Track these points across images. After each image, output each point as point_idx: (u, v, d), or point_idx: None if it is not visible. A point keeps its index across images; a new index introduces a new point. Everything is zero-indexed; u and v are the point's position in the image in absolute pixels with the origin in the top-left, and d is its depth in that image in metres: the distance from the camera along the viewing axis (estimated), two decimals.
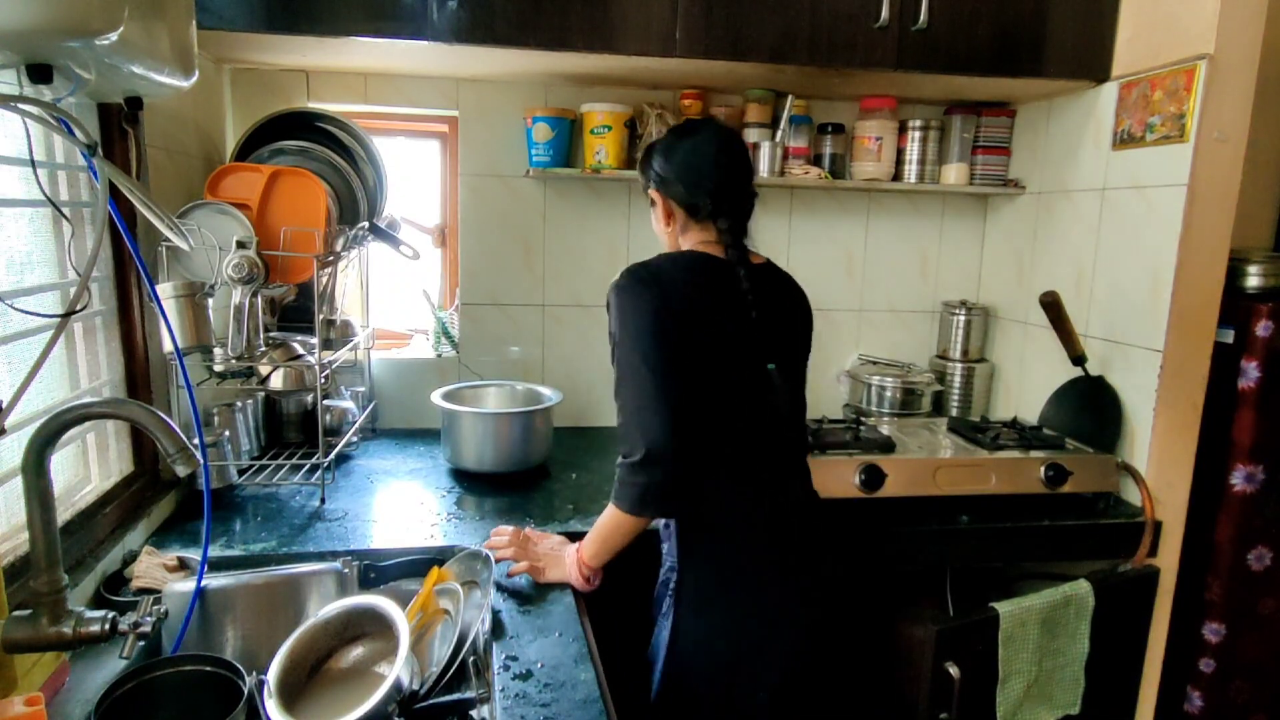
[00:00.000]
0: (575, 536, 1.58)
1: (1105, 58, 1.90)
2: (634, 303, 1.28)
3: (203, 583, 1.09)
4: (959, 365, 2.34)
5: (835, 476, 1.69)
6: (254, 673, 0.97)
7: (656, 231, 1.46)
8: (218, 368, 1.62)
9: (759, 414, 1.33)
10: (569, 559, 1.40)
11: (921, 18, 1.77)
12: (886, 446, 1.78)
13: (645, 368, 1.25)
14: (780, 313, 1.40)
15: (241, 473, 1.73)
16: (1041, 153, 2.18)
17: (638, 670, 1.54)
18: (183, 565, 1.35)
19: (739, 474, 1.32)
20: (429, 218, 2.37)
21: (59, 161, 1.32)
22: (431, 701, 1.02)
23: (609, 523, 1.33)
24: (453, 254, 2.32)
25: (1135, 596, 1.79)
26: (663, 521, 1.35)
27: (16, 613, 0.96)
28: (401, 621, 1.07)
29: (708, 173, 1.36)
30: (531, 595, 1.34)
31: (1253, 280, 1.84)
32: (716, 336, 1.29)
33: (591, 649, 1.19)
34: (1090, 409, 1.93)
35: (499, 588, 1.35)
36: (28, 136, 1.06)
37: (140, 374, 1.51)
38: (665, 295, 1.27)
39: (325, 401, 1.88)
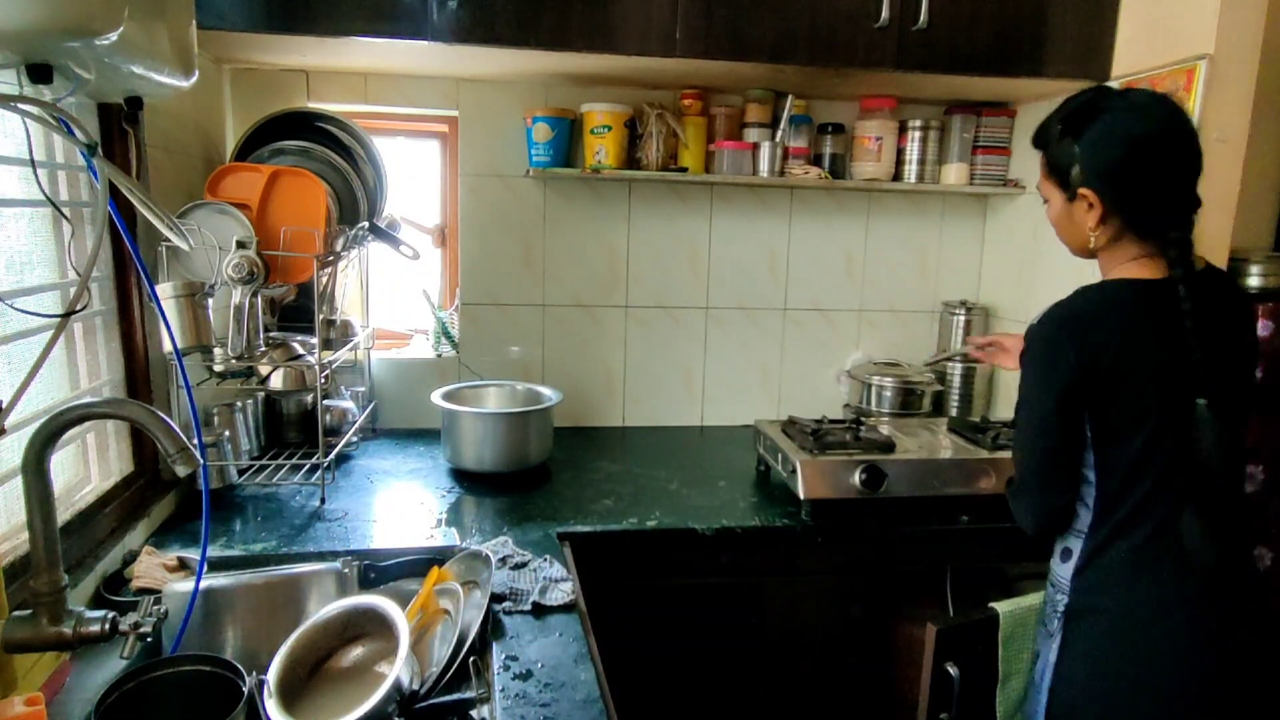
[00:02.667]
0: (575, 536, 1.58)
1: (1105, 58, 1.90)
2: (1047, 355, 1.15)
3: (203, 583, 1.09)
4: (959, 365, 2.34)
5: (835, 476, 1.69)
6: (254, 673, 0.97)
7: (1060, 230, 1.26)
8: (218, 368, 1.62)
9: (1180, 458, 1.13)
10: None
11: (921, 18, 1.77)
12: (886, 446, 1.78)
13: (1042, 441, 1.18)
14: (1222, 337, 1.16)
15: (241, 473, 1.73)
16: None
17: (638, 670, 1.54)
18: (183, 565, 1.35)
19: (1149, 524, 1.15)
20: (429, 218, 2.37)
21: (59, 161, 1.32)
22: (431, 701, 1.02)
23: None
24: (453, 254, 2.32)
25: None
26: (1060, 546, 1.25)
27: (16, 613, 0.96)
28: (401, 621, 1.07)
29: (1167, 168, 1.12)
30: (531, 594, 1.34)
31: (1253, 280, 1.84)
32: (1143, 385, 1.12)
33: (591, 649, 1.19)
34: None
35: (498, 598, 1.35)
36: (28, 136, 1.06)
37: (140, 374, 1.51)
38: (1089, 350, 1.11)
39: (325, 401, 1.88)
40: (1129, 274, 1.17)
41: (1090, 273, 1.98)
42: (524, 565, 1.40)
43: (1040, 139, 1.24)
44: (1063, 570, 1.24)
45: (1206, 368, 1.10)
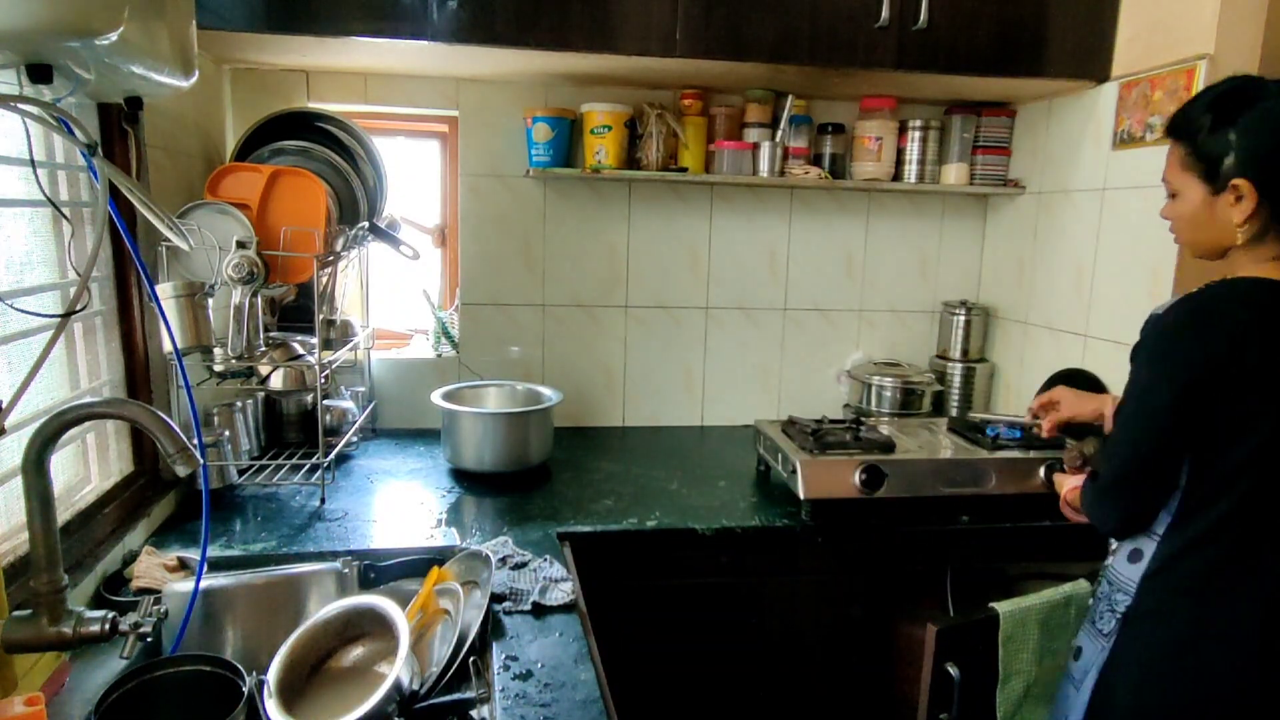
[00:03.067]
0: (574, 536, 1.58)
1: (1105, 58, 1.90)
2: (1172, 350, 1.10)
3: (203, 583, 1.09)
4: (959, 365, 2.34)
5: (835, 476, 1.69)
6: (254, 673, 0.97)
7: (1191, 227, 1.17)
8: (218, 368, 1.62)
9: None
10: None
11: (921, 18, 1.78)
12: (886, 446, 1.78)
13: (1149, 441, 1.13)
14: None
15: (241, 473, 1.73)
16: (1041, 153, 2.18)
17: (638, 670, 1.54)
18: (183, 565, 1.35)
19: (1232, 537, 1.11)
20: (429, 218, 2.37)
21: (59, 161, 1.32)
22: (431, 701, 1.02)
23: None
24: (453, 254, 2.32)
25: None
26: (1129, 546, 1.21)
27: (16, 613, 0.96)
28: (401, 621, 1.07)
29: None
30: (531, 594, 1.34)
31: None
32: (1265, 393, 1.06)
33: (591, 649, 1.19)
34: None
35: (498, 598, 1.35)
36: (28, 136, 1.06)
37: (140, 374, 1.51)
38: (1221, 344, 1.05)
39: (325, 401, 1.88)
40: (1266, 274, 1.10)
41: (1088, 271, 1.99)
42: (524, 565, 1.40)
43: (1184, 128, 1.15)
44: (1129, 571, 1.19)
45: None
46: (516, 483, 1.84)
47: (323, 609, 1.12)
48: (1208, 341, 1.07)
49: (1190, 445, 1.12)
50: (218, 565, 1.38)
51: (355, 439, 2.02)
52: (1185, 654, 1.12)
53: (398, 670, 0.98)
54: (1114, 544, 1.25)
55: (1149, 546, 1.18)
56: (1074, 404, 1.55)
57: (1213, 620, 1.11)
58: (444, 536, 1.55)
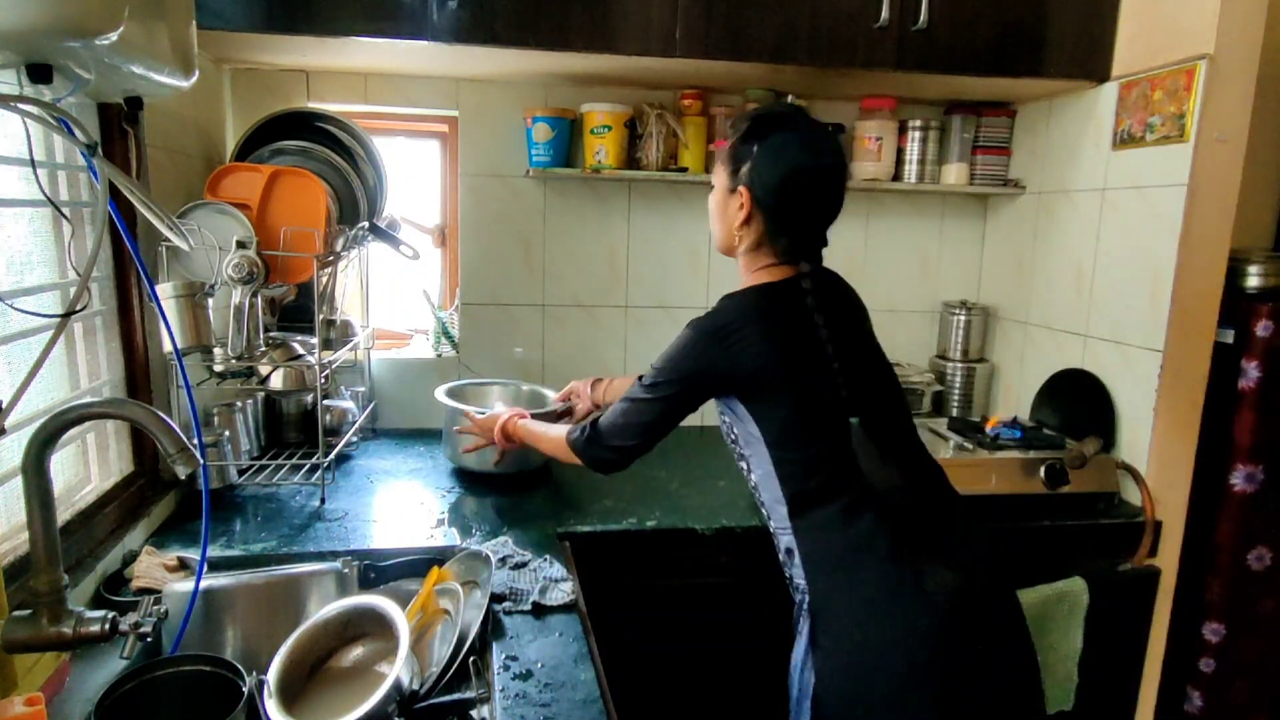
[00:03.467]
0: (574, 536, 1.58)
1: (1105, 58, 1.90)
2: (691, 358, 1.27)
3: (203, 583, 1.09)
4: (959, 365, 2.34)
5: None
6: (254, 673, 0.97)
7: (714, 215, 1.35)
8: (218, 368, 1.62)
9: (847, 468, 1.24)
10: (496, 427, 1.66)
11: (921, 18, 1.77)
12: None
13: (653, 412, 1.32)
14: (850, 334, 1.35)
15: (241, 473, 1.73)
16: (1041, 153, 2.18)
17: (638, 670, 1.54)
18: (183, 565, 1.35)
19: (848, 494, 1.22)
20: (429, 218, 2.37)
21: (59, 161, 1.32)
22: (431, 701, 1.02)
23: (553, 443, 1.51)
24: (453, 254, 2.32)
25: (1135, 596, 1.79)
26: (782, 548, 1.28)
27: (16, 613, 0.96)
28: (401, 621, 1.07)
29: (813, 203, 1.26)
30: (531, 594, 1.34)
31: (1253, 280, 1.84)
32: (789, 388, 1.23)
33: (592, 649, 1.19)
34: (1078, 400, 1.95)
35: (498, 598, 1.35)
36: (28, 136, 1.06)
37: (140, 374, 1.51)
38: (731, 358, 1.23)
39: (325, 401, 1.88)
40: (761, 279, 1.29)
41: (1088, 271, 1.99)
42: (524, 565, 1.40)
43: (735, 123, 1.30)
44: (795, 571, 1.25)
45: (849, 380, 1.25)
46: (517, 483, 1.84)
47: (323, 609, 1.12)
48: (720, 360, 1.23)
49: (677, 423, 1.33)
50: (218, 565, 1.38)
51: (355, 439, 2.02)
52: (836, 617, 1.18)
53: (398, 670, 0.98)
54: (781, 557, 1.30)
55: (785, 538, 1.25)
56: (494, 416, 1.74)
57: (862, 574, 1.18)
58: (444, 536, 1.54)
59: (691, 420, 2.41)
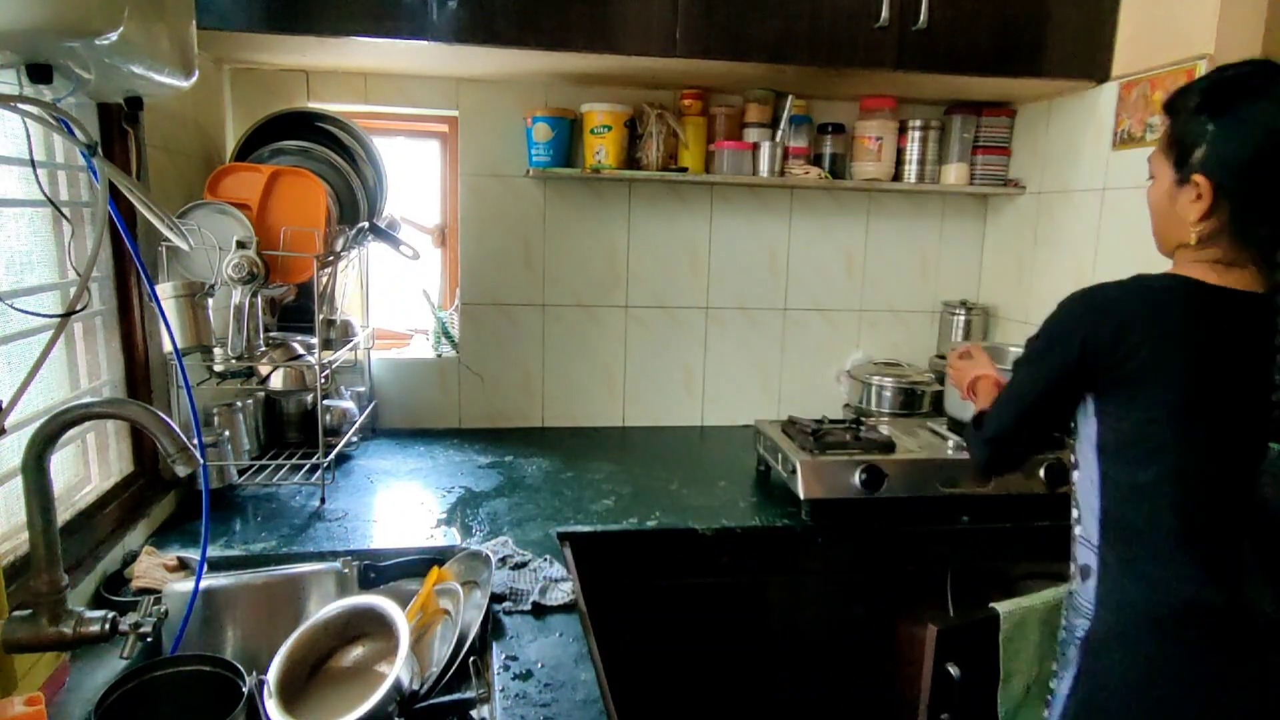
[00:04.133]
0: (574, 536, 1.58)
1: (1105, 58, 1.90)
2: (1068, 329, 1.09)
3: (203, 583, 1.09)
4: None
5: (835, 476, 1.69)
6: (254, 673, 0.97)
7: (1156, 216, 1.13)
8: (218, 368, 1.62)
9: (1209, 499, 1.05)
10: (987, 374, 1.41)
11: (921, 18, 1.77)
12: (887, 446, 1.78)
13: (1028, 398, 1.17)
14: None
15: (241, 473, 1.73)
16: (1041, 153, 2.18)
17: (638, 670, 1.54)
18: (183, 565, 1.35)
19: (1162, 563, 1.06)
20: (429, 218, 2.37)
21: (59, 161, 1.32)
22: (431, 701, 1.02)
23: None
24: (453, 254, 2.32)
25: None
26: (1079, 562, 1.16)
27: (16, 613, 0.96)
28: (401, 621, 1.07)
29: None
30: (531, 594, 1.34)
31: None
32: (1164, 397, 1.04)
33: (592, 649, 1.19)
34: None
35: (498, 598, 1.35)
36: (28, 136, 1.06)
37: (140, 374, 1.51)
38: (1105, 333, 1.05)
39: (325, 401, 1.88)
40: (1199, 275, 1.05)
41: (1089, 271, 1.99)
42: (524, 565, 1.40)
43: (1172, 104, 1.07)
44: (1084, 590, 1.13)
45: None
46: (517, 482, 1.84)
47: (323, 609, 1.12)
48: (1092, 327, 1.06)
49: (1066, 420, 1.15)
50: (218, 565, 1.38)
51: (355, 439, 2.02)
52: (1151, 684, 1.04)
53: (398, 670, 0.98)
54: (1072, 566, 1.20)
55: (1092, 558, 1.12)
56: (987, 363, 1.53)
57: (1173, 640, 1.03)
58: (444, 536, 1.54)
59: (691, 420, 2.42)
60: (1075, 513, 1.19)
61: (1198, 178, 1.01)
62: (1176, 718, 1.03)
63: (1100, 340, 1.05)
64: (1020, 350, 1.23)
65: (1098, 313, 1.07)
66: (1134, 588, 1.07)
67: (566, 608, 1.29)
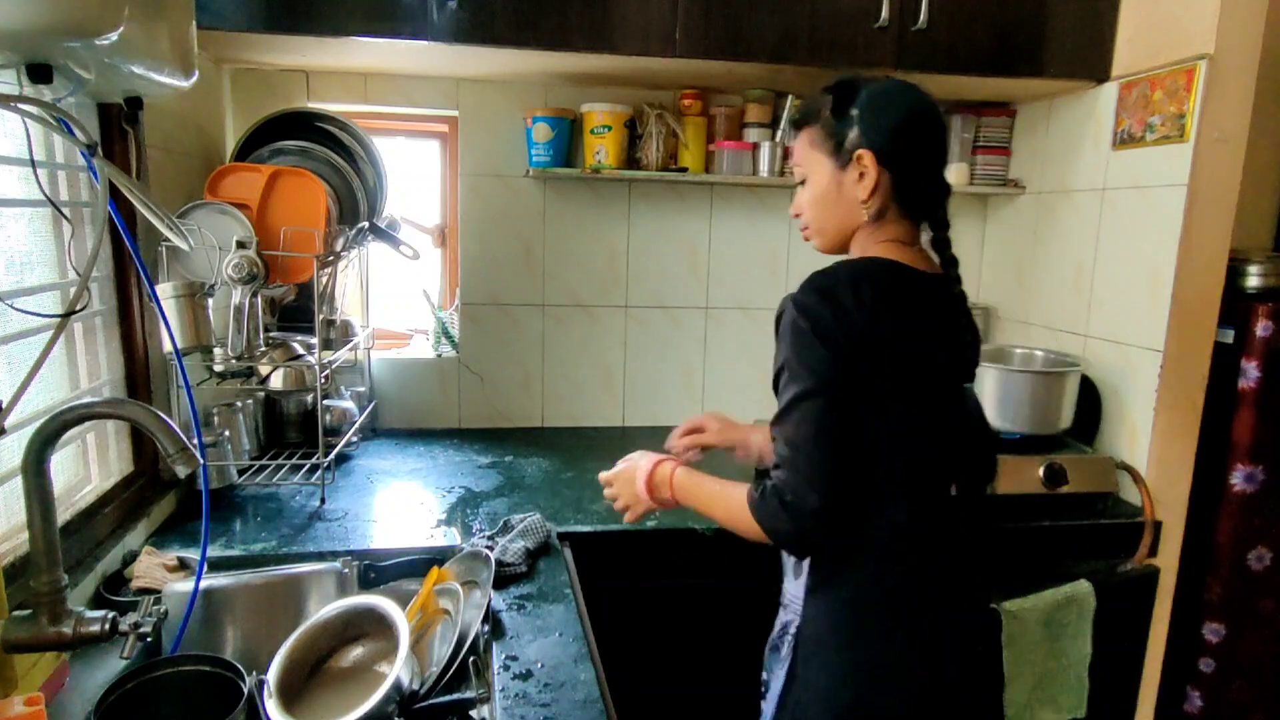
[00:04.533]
0: (575, 536, 1.58)
1: (1105, 58, 1.90)
2: (820, 324, 1.02)
3: (203, 583, 1.09)
4: None
5: None
6: (254, 673, 0.97)
7: (821, 209, 1.15)
8: (218, 368, 1.62)
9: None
10: (640, 480, 1.26)
11: (921, 18, 1.77)
12: None
13: (822, 417, 1.02)
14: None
15: (241, 473, 1.73)
16: (1041, 153, 2.18)
17: (638, 670, 1.53)
18: (183, 565, 1.35)
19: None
20: (429, 218, 2.37)
21: (59, 161, 1.32)
22: (431, 701, 1.02)
23: (729, 510, 1.12)
24: (453, 254, 2.32)
25: (1135, 596, 1.79)
26: (791, 561, 1.15)
27: (16, 613, 0.96)
28: (401, 621, 1.07)
29: (936, 143, 1.12)
30: (532, 594, 1.34)
31: (1253, 280, 1.84)
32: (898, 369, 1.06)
33: (591, 649, 1.19)
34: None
35: (498, 586, 1.35)
36: (28, 136, 1.06)
37: (140, 374, 1.51)
38: (852, 315, 1.03)
39: (325, 401, 1.88)
40: (887, 254, 1.11)
41: (1088, 271, 1.99)
42: (510, 529, 1.46)
43: (809, 116, 1.15)
44: (794, 588, 1.14)
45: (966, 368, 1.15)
46: (518, 482, 1.84)
47: (323, 609, 1.12)
48: (849, 310, 1.02)
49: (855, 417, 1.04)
50: (218, 565, 1.38)
51: (355, 439, 2.02)
52: (862, 676, 1.06)
53: (398, 670, 0.98)
54: (786, 561, 1.17)
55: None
56: (720, 432, 1.47)
57: (891, 636, 1.06)
58: (444, 536, 1.54)
59: None
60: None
61: (860, 153, 1.09)
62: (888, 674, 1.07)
63: (860, 321, 1.03)
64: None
65: (846, 295, 1.04)
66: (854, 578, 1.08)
67: (566, 607, 1.28)
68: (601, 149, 2.07)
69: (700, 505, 1.20)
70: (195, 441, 1.09)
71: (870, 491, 1.05)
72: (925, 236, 1.16)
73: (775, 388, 1.08)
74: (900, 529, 1.07)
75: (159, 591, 1.21)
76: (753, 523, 1.06)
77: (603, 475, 1.37)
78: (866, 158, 1.08)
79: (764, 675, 1.22)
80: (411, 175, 2.33)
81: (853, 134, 1.09)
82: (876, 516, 1.06)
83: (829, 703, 1.07)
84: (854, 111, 1.10)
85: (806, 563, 1.11)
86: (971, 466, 1.16)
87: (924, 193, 1.12)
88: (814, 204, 1.16)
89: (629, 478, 1.29)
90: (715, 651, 1.70)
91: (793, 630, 1.12)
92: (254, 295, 1.53)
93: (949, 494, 1.11)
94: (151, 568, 1.31)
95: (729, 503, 1.11)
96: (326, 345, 1.92)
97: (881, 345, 1.03)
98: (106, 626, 0.98)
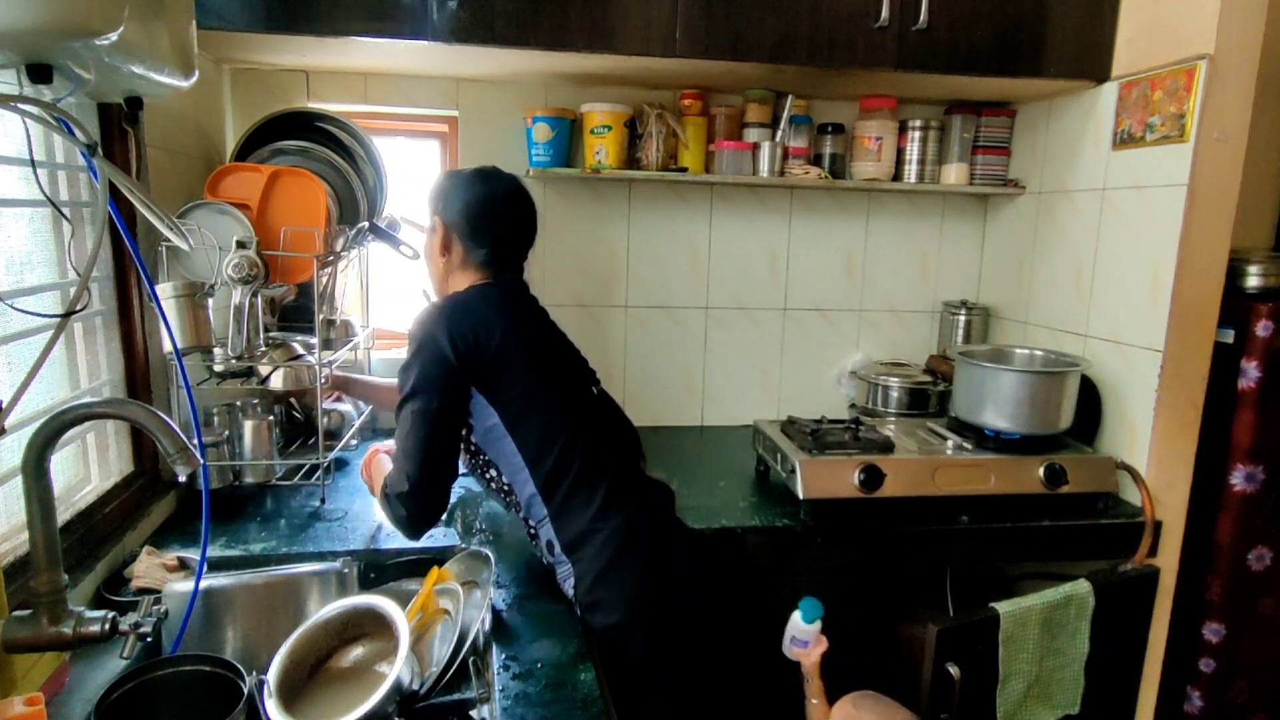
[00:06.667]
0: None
1: (1105, 58, 1.90)
2: (432, 345, 1.29)
3: (203, 583, 1.09)
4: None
5: (834, 476, 1.69)
6: (254, 673, 0.97)
7: (428, 264, 1.49)
8: (218, 368, 1.62)
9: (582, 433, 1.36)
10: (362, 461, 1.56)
11: (921, 18, 1.77)
12: (885, 447, 1.78)
13: (433, 427, 1.29)
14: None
15: (241, 473, 1.73)
16: (1041, 153, 2.18)
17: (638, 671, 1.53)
18: (182, 565, 1.35)
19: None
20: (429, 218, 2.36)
21: (59, 161, 1.32)
22: (431, 701, 1.02)
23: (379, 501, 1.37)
24: None
25: (1135, 596, 1.79)
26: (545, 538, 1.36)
27: (16, 613, 0.96)
28: (401, 621, 1.07)
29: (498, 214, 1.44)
30: (532, 594, 1.34)
31: (1253, 280, 1.84)
32: (527, 365, 1.34)
33: (592, 649, 1.19)
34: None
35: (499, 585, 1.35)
36: (28, 136, 1.06)
37: (140, 374, 1.51)
38: (471, 334, 1.29)
39: (325, 402, 1.87)
40: (476, 282, 1.41)
41: (1088, 271, 1.99)
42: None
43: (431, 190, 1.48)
44: (560, 556, 1.32)
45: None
46: None
47: (323, 609, 1.13)
48: (455, 331, 1.27)
49: (465, 421, 1.34)
50: (218, 565, 1.38)
51: (355, 440, 2.02)
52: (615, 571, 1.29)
53: (398, 670, 0.98)
54: (541, 552, 1.37)
55: (546, 529, 1.33)
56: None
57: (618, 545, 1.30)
58: (444, 536, 1.54)
59: (691, 420, 2.42)
60: (507, 495, 1.39)
61: (435, 219, 1.44)
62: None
63: (467, 340, 1.28)
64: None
65: (454, 319, 1.30)
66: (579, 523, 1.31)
67: (567, 607, 1.28)
68: (601, 149, 2.07)
69: (373, 490, 1.46)
70: (195, 441, 1.09)
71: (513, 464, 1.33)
72: None
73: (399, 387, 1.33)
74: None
75: (159, 591, 1.21)
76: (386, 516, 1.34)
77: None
78: (438, 224, 1.43)
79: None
80: (411, 175, 2.32)
81: (437, 208, 1.44)
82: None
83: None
84: (438, 192, 1.45)
85: (552, 534, 1.33)
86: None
87: (493, 254, 1.42)
88: (426, 261, 1.50)
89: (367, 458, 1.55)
90: (714, 650, 1.70)
91: (569, 586, 1.32)
92: (254, 295, 1.53)
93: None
94: (151, 568, 1.31)
95: (378, 495, 1.37)
96: (326, 345, 1.92)
97: (493, 351, 1.28)
98: (106, 626, 0.98)
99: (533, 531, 1.38)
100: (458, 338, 1.27)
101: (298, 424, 2.01)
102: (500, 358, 1.29)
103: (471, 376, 1.29)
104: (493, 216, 1.42)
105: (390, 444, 1.44)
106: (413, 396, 1.27)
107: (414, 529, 1.30)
